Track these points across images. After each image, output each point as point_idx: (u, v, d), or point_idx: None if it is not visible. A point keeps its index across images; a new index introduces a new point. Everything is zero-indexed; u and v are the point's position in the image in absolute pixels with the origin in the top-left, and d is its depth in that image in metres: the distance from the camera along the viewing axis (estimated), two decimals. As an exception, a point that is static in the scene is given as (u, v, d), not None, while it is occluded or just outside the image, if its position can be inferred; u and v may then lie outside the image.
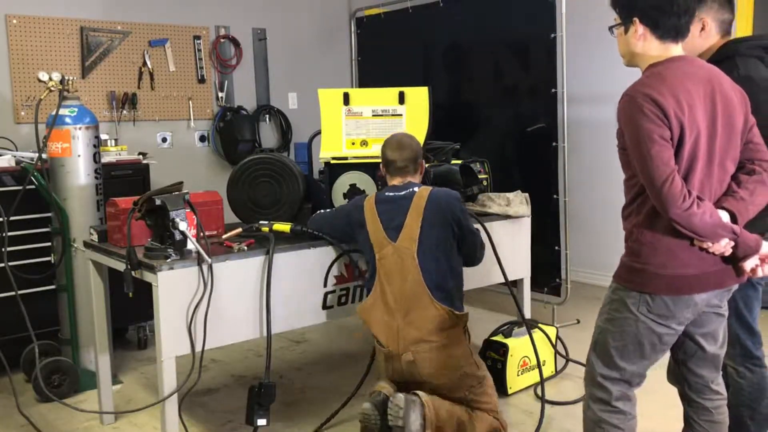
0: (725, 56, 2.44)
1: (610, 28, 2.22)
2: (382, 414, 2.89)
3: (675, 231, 2.06)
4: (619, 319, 2.20)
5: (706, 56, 2.49)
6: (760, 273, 2.15)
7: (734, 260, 2.13)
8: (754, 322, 2.52)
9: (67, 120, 3.65)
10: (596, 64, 5.38)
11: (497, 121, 5.10)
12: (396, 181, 3.17)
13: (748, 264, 2.13)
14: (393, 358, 2.99)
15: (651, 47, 2.14)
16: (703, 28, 2.47)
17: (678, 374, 2.37)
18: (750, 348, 2.51)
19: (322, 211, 3.33)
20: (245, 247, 3.00)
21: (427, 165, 3.61)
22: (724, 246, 2.08)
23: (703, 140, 2.06)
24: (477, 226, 3.43)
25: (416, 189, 3.06)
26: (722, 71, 2.40)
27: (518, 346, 3.65)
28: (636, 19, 2.12)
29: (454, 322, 2.97)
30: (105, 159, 4.05)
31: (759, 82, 2.37)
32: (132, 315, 4.12)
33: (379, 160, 3.38)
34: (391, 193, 3.09)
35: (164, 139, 5.41)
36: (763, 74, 2.41)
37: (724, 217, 2.08)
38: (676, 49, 2.15)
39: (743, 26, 4.60)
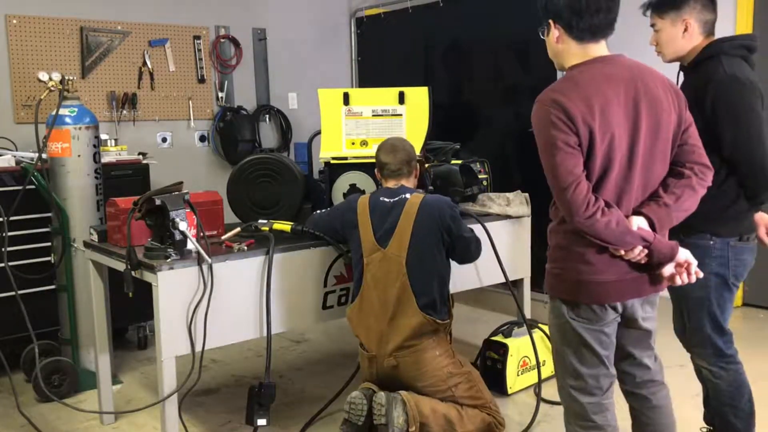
0: (710, 55, 2.43)
1: (539, 31, 2.20)
2: (370, 407, 2.91)
3: (586, 238, 2.04)
4: (561, 327, 2.19)
5: (690, 56, 2.49)
6: (678, 282, 2.11)
7: (651, 268, 2.10)
8: (725, 322, 2.52)
9: (67, 120, 3.64)
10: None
11: (497, 121, 5.10)
12: (390, 184, 3.17)
13: (666, 271, 2.10)
14: (377, 362, 3.01)
15: (570, 48, 2.10)
16: (686, 30, 2.47)
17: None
18: (721, 347, 2.52)
19: (318, 211, 3.33)
20: (245, 247, 3.00)
21: (427, 165, 3.62)
22: (638, 253, 2.04)
23: (620, 144, 2.02)
24: (477, 225, 3.43)
25: (408, 196, 3.06)
26: (706, 70, 2.39)
27: (518, 346, 3.64)
28: (551, 22, 2.10)
29: (436, 328, 2.99)
30: (105, 159, 4.05)
31: (745, 82, 2.36)
32: (132, 315, 4.12)
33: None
34: (384, 198, 3.09)
35: (164, 139, 5.41)
36: (748, 74, 2.41)
37: (642, 223, 2.05)
38: (597, 49, 2.10)
39: (743, 26, 4.60)
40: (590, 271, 2.08)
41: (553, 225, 2.17)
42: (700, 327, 2.51)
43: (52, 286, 3.84)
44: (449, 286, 3.13)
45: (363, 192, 3.48)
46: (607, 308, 2.12)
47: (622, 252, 2.05)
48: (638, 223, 2.05)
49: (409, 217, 3.00)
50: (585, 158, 2.01)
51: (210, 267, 2.81)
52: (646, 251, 2.04)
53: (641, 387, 2.31)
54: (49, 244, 3.85)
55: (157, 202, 2.79)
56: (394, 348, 2.97)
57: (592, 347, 2.15)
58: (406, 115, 3.63)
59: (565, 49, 2.11)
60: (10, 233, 3.56)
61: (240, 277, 2.95)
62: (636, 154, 2.05)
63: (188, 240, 2.79)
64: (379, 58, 6.08)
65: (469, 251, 3.14)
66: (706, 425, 2.80)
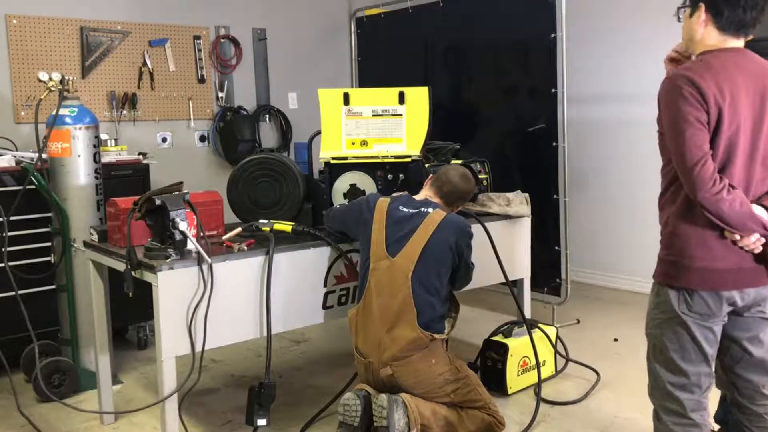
0: None
1: (678, 9, 2.20)
2: (364, 408, 2.90)
3: (708, 222, 2.02)
4: (668, 321, 2.16)
5: None
6: None
7: (765, 260, 2.08)
8: None
9: (67, 120, 3.65)
10: (596, 64, 5.37)
11: (497, 121, 5.10)
12: (422, 195, 3.18)
13: None
14: (373, 370, 3.00)
15: (710, 36, 2.11)
16: None
17: (726, 381, 2.31)
18: None
19: (338, 205, 3.33)
20: (245, 247, 3.00)
21: (427, 165, 3.62)
22: (755, 242, 2.03)
23: (744, 133, 2.03)
24: (477, 225, 3.43)
25: (430, 210, 3.05)
26: None
27: (518, 346, 3.64)
28: (702, 5, 2.10)
29: (433, 339, 2.98)
30: (105, 159, 4.05)
31: None
32: (132, 315, 4.12)
33: (379, 160, 3.39)
34: (403, 208, 3.08)
35: (164, 139, 5.41)
36: None
37: (759, 212, 2.04)
38: (735, 43, 2.11)
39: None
40: (710, 258, 2.07)
41: (672, 210, 2.14)
42: None
43: (52, 286, 3.84)
44: (448, 303, 3.12)
45: (363, 192, 3.48)
46: (723, 301, 2.09)
47: (737, 237, 2.04)
48: (758, 211, 2.04)
49: (425, 232, 2.98)
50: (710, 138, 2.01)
51: (210, 267, 2.81)
52: (762, 240, 2.03)
53: (758, 402, 2.24)
54: (49, 244, 3.85)
55: (157, 202, 2.79)
56: (390, 357, 2.94)
57: (700, 344, 2.13)
58: (406, 115, 3.63)
59: (705, 35, 2.12)
60: (10, 233, 3.56)
61: (240, 277, 2.95)
62: (757, 148, 2.06)
63: (188, 240, 2.79)
64: (379, 58, 6.07)
65: (463, 280, 3.16)
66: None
